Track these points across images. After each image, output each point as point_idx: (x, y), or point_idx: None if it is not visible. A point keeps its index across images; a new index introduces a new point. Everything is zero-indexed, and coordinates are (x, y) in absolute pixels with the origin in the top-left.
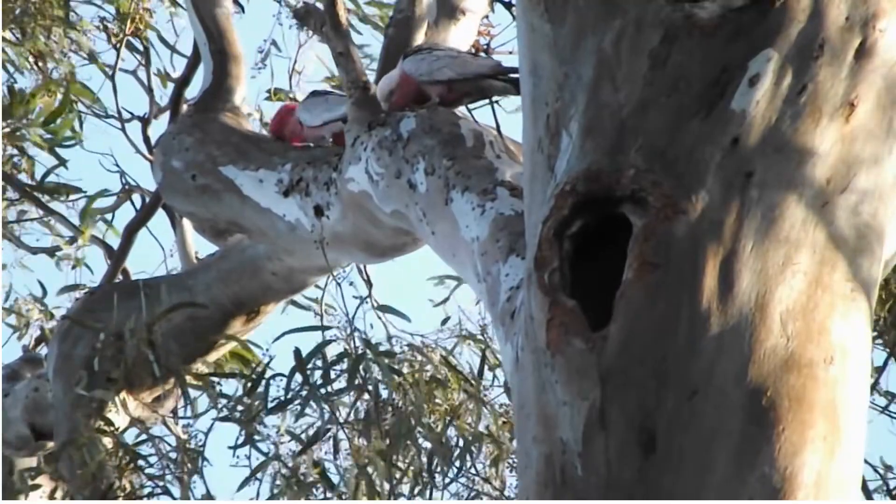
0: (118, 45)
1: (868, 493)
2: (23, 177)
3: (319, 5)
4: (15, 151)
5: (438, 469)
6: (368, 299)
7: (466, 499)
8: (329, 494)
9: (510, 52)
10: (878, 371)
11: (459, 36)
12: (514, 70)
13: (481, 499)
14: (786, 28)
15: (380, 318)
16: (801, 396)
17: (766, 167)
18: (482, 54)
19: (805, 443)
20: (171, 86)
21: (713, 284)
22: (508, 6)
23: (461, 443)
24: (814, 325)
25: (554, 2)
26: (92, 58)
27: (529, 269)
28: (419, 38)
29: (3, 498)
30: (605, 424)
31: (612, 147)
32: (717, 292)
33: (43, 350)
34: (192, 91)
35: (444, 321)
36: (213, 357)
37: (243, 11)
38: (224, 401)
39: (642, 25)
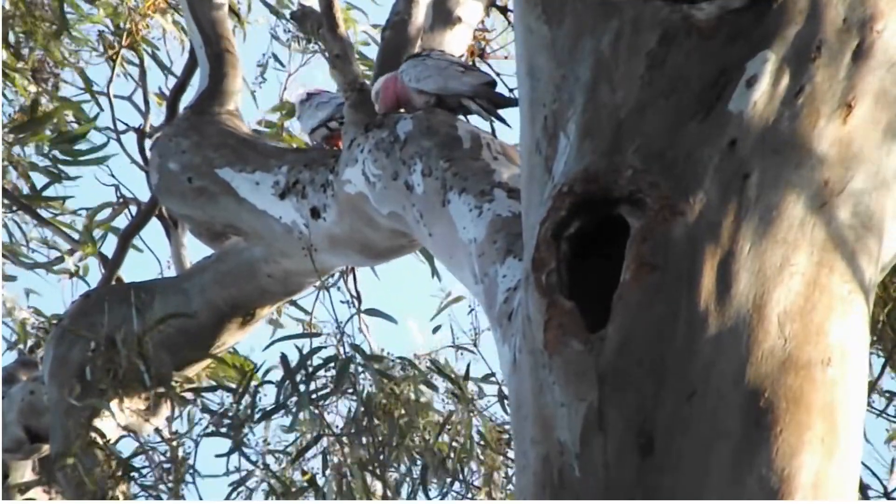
0: (114, 57)
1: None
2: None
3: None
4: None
5: (431, 477)
6: (357, 305)
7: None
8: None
9: (506, 57)
10: (874, 378)
11: (455, 40)
12: (494, 88)
13: (480, 499)
14: (783, 29)
15: (361, 330)
16: (799, 398)
17: (763, 168)
18: (478, 62)
19: (803, 444)
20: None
21: (711, 286)
22: (504, 11)
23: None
24: (811, 327)
25: (551, 3)
26: (84, 76)
27: (527, 270)
28: (416, 42)
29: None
30: (603, 426)
31: (610, 148)
32: (714, 293)
33: (39, 353)
34: (188, 96)
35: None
36: (204, 365)
37: (238, 19)
38: (209, 413)
39: (640, 26)
